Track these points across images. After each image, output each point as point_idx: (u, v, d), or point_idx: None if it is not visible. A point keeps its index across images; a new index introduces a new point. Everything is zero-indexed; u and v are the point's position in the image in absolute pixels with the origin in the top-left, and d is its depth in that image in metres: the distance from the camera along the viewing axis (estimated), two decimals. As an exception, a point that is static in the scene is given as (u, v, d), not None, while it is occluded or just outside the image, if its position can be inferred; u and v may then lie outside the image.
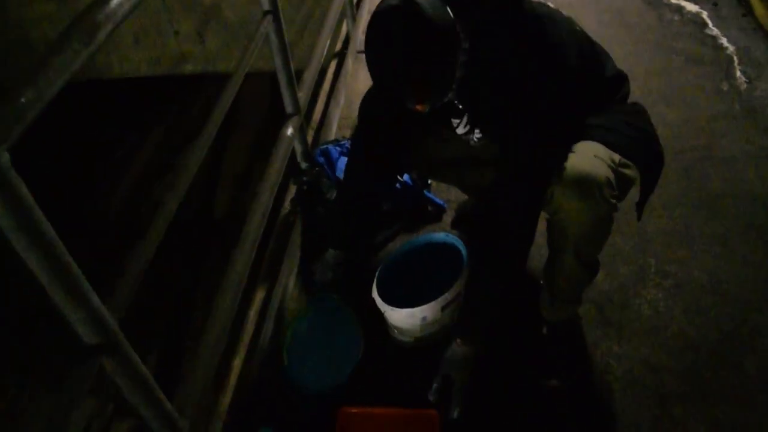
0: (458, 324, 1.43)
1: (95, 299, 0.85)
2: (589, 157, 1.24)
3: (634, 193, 1.37)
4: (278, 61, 1.68)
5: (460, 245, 1.57)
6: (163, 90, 4.19)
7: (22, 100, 0.71)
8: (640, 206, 1.41)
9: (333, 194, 1.81)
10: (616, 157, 1.26)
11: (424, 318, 1.47)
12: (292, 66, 1.71)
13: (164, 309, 2.23)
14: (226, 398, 1.49)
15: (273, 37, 1.63)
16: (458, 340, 1.39)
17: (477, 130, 1.36)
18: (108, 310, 0.88)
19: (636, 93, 2.26)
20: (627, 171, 1.28)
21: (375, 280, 1.54)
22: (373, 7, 1.16)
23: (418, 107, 1.19)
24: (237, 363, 1.56)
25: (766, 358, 1.51)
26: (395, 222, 1.85)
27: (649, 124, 1.39)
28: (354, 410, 1.43)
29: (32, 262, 0.76)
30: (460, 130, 1.38)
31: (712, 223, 1.84)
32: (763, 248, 1.74)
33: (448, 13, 1.13)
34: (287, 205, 1.90)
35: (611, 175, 1.22)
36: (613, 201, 1.22)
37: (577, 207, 1.21)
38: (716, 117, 2.21)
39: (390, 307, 1.47)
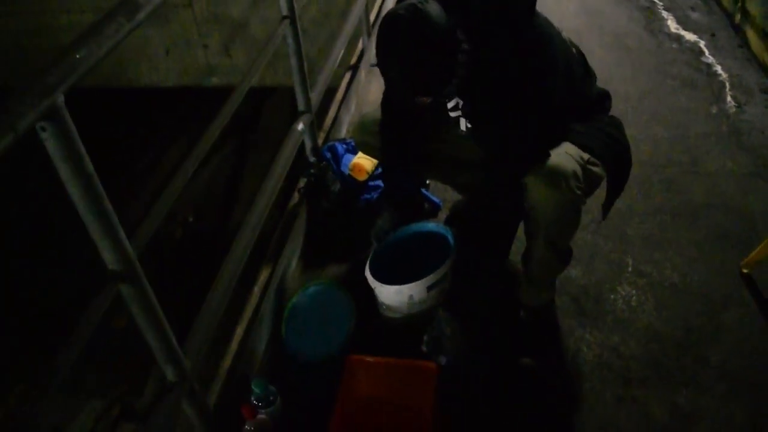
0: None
1: (121, 232, 1.02)
2: (560, 153, 1.39)
3: (617, 204, 1.53)
4: (293, 62, 1.86)
5: (448, 234, 1.71)
6: (189, 101, 4.38)
7: (77, 56, 0.88)
8: (606, 207, 1.56)
9: (337, 187, 1.98)
10: (585, 155, 1.42)
11: (411, 296, 1.62)
12: (306, 67, 1.89)
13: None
14: (227, 362, 1.63)
15: (290, 40, 1.82)
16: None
17: (466, 121, 1.52)
18: (130, 243, 1.04)
19: (630, 112, 2.43)
20: (594, 168, 1.43)
21: (368, 260, 1.69)
22: None
23: (422, 99, 1.37)
24: (239, 331, 1.71)
25: (729, 351, 1.62)
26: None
27: (623, 134, 1.54)
28: (360, 357, 1.59)
29: (73, 191, 0.93)
30: (453, 114, 1.54)
31: (690, 231, 1.96)
32: (736, 255, 1.86)
33: (446, 19, 1.29)
34: (295, 196, 2.06)
35: (578, 170, 1.38)
36: (579, 192, 1.37)
37: (546, 194, 1.36)
38: (704, 136, 2.35)
39: (380, 284, 1.62)
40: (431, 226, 1.80)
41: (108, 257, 1.03)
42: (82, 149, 0.91)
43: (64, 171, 0.90)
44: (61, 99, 0.85)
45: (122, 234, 1.03)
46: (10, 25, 4.48)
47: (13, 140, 0.77)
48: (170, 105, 4.46)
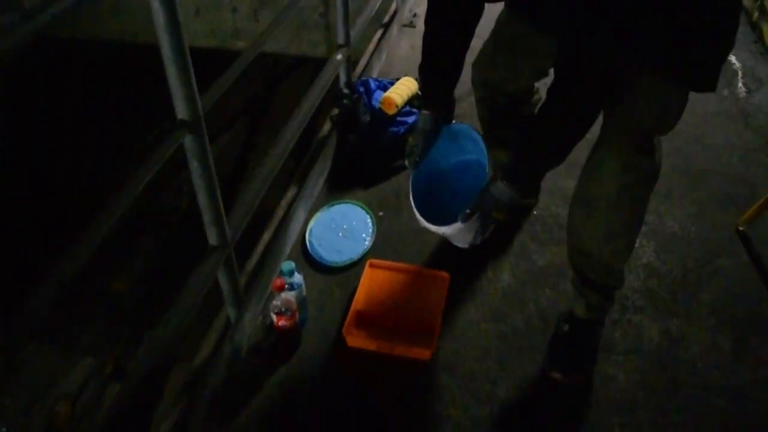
0: (509, 166, 1.32)
1: (194, 85, 1.14)
2: None
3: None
4: (338, -1, 1.99)
5: (484, 158, 1.47)
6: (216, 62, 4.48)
7: None
8: None
9: (367, 118, 2.10)
10: None
11: (443, 232, 1.53)
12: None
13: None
14: (254, 259, 1.75)
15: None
16: (503, 181, 1.30)
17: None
18: (201, 98, 1.17)
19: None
20: None
21: (411, 195, 1.55)
22: None
23: None
24: (266, 237, 1.83)
25: (720, 292, 1.74)
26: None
27: None
28: (379, 262, 1.73)
29: (161, 35, 1.05)
30: None
31: (692, 191, 2.09)
32: (734, 216, 1.98)
33: None
34: (326, 125, 2.18)
35: None
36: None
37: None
38: (713, 114, 2.47)
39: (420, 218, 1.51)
40: (468, 152, 1.58)
41: (179, 106, 1.15)
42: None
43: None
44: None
45: (195, 87, 1.15)
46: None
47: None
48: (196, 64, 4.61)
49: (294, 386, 1.52)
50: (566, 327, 1.55)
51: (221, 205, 1.33)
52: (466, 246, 1.51)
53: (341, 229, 1.90)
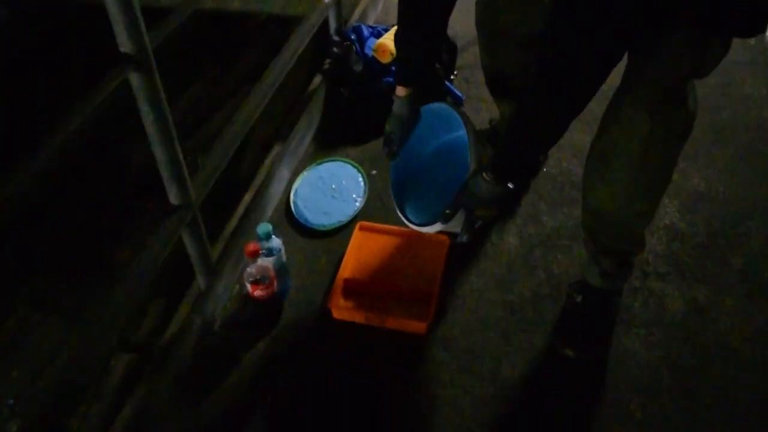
0: (493, 159, 1.13)
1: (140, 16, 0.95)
2: None
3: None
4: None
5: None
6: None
7: None
8: None
9: (359, 67, 1.90)
10: None
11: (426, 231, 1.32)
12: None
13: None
14: (233, 223, 1.58)
15: None
16: (487, 175, 1.11)
17: None
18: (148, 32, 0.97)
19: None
20: None
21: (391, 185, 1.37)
22: None
23: None
24: (247, 198, 1.65)
25: (751, 256, 1.55)
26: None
27: None
28: (371, 224, 1.55)
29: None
30: None
31: (720, 146, 1.88)
32: (764, 172, 1.79)
33: None
34: (317, 78, 1.98)
35: None
36: None
37: None
38: (740, 64, 2.25)
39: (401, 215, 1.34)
40: (453, 131, 1.36)
41: (121, 36, 0.96)
42: None
43: None
44: None
45: (139, 14, 0.96)
46: None
47: None
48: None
49: (273, 363, 1.36)
50: (579, 297, 1.37)
51: (180, 157, 1.15)
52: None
53: (329, 189, 1.71)
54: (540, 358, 1.35)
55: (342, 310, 1.40)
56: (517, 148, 1.10)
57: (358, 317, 1.38)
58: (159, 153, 1.11)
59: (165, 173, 1.15)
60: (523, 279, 1.50)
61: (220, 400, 1.29)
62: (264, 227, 1.34)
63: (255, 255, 1.29)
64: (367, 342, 1.38)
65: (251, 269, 1.31)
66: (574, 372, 1.32)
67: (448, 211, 1.17)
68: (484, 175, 1.11)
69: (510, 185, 1.11)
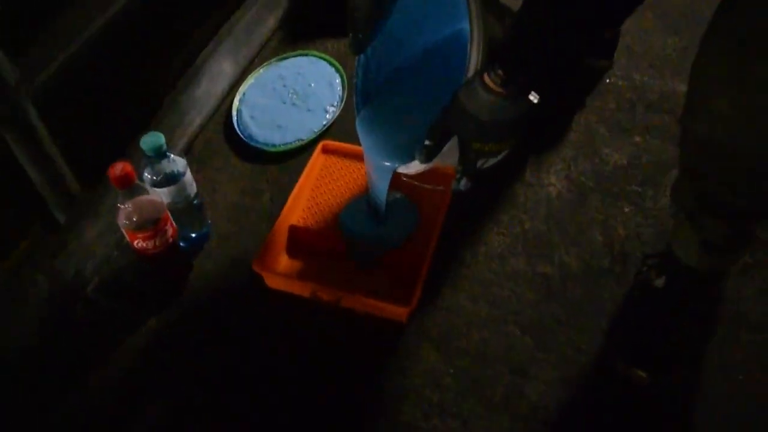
0: (500, 52, 0.66)
1: None
2: None
3: None
4: None
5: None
6: None
7: None
8: None
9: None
10: None
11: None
12: None
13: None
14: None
15: None
16: (490, 77, 0.64)
17: None
18: None
19: None
20: None
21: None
22: None
23: None
24: (166, 103, 1.13)
25: None
26: None
27: None
28: (340, 146, 1.06)
29: None
30: None
31: None
32: None
33: None
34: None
35: None
36: None
37: None
38: None
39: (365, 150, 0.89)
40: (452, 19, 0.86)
41: None
42: None
43: None
44: None
45: None
46: None
47: None
48: None
49: (169, 352, 0.88)
50: (661, 280, 0.84)
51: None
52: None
53: (292, 93, 1.18)
54: (589, 380, 0.83)
55: (278, 277, 0.90)
56: (548, 20, 0.61)
57: (303, 290, 0.88)
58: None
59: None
60: (567, 243, 0.97)
61: (82, 405, 0.82)
62: (153, 139, 0.83)
63: (127, 183, 0.78)
64: (317, 326, 0.88)
65: (126, 207, 0.81)
66: (644, 401, 0.81)
67: (427, 142, 0.69)
68: (490, 75, 0.63)
69: (533, 97, 0.63)
